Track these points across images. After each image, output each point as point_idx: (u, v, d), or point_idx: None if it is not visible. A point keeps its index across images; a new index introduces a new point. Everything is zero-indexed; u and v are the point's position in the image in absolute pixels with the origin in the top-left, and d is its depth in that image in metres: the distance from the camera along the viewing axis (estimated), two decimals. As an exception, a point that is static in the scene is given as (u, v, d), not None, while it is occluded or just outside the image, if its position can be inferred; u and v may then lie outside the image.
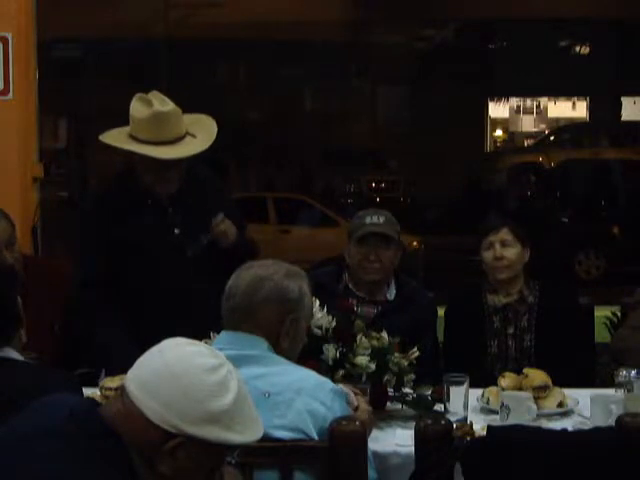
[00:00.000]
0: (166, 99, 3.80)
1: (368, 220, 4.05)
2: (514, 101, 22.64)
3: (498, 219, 4.24)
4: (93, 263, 3.86)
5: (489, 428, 2.79)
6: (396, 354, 3.35)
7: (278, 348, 2.73)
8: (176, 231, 3.89)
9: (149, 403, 1.87)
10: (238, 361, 2.11)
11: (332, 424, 2.59)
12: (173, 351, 1.93)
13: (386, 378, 3.32)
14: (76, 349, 3.91)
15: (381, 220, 4.05)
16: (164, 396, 1.87)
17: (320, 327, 3.29)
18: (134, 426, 1.88)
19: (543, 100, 22.74)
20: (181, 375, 1.89)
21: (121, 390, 1.94)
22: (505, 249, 4.07)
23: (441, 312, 4.23)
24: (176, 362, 1.90)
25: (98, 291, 3.84)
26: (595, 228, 13.39)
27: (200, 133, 3.86)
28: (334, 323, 3.31)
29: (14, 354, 2.61)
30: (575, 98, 22.16)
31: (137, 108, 3.77)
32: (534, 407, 3.27)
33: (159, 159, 3.73)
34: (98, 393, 3.36)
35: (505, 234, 4.09)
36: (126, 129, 3.84)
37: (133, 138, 3.78)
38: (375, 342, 3.34)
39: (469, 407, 3.27)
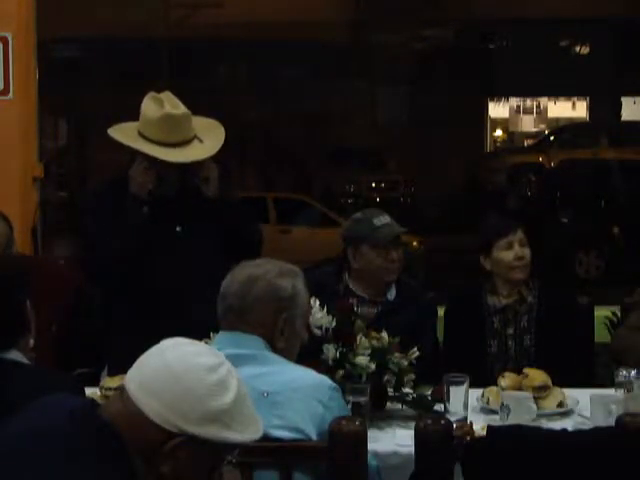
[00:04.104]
0: (178, 102, 3.81)
1: (377, 222, 4.03)
2: (514, 101, 22.65)
3: (507, 219, 4.22)
4: (93, 260, 3.86)
5: (489, 428, 2.80)
6: (396, 354, 3.35)
7: (275, 347, 2.74)
8: (178, 229, 3.89)
9: (149, 403, 1.87)
10: (236, 361, 2.11)
11: (332, 424, 2.59)
12: (173, 351, 1.93)
13: (386, 378, 3.32)
14: (76, 349, 3.91)
15: (388, 219, 4.05)
16: (164, 396, 1.87)
17: (320, 327, 3.29)
18: (134, 426, 1.88)
19: (543, 100, 22.74)
20: (181, 374, 1.89)
21: (121, 390, 1.94)
22: (523, 249, 4.07)
23: (441, 312, 4.23)
24: (176, 362, 1.91)
25: (97, 289, 3.84)
26: (595, 228, 13.39)
27: (207, 139, 3.87)
28: (334, 323, 3.31)
29: (18, 357, 2.61)
30: (575, 98, 22.16)
31: (149, 107, 3.80)
32: (534, 407, 3.27)
33: (163, 161, 3.73)
34: (98, 393, 3.36)
35: (521, 234, 4.09)
36: (135, 125, 3.85)
37: (141, 135, 3.80)
38: (375, 342, 3.34)
39: (469, 407, 3.27)
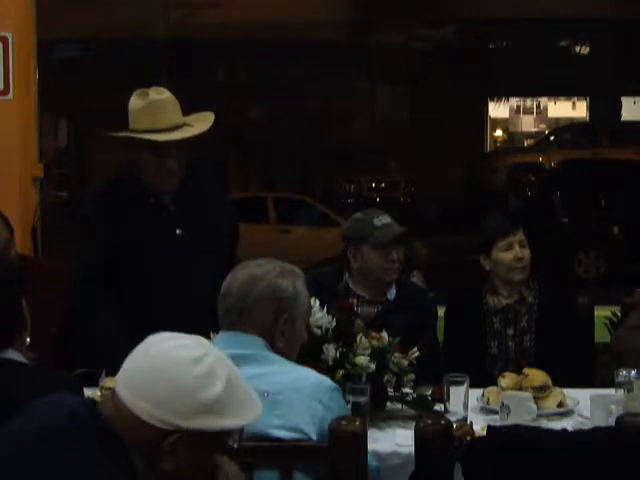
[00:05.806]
0: (163, 89, 3.86)
1: (378, 222, 4.02)
2: (514, 101, 22.67)
3: (507, 220, 4.19)
4: (93, 261, 3.87)
5: (489, 428, 2.79)
6: (396, 354, 3.35)
7: (275, 347, 2.74)
8: (178, 231, 3.89)
9: (138, 403, 1.86)
10: (236, 361, 2.10)
11: (332, 424, 2.59)
12: (156, 347, 1.91)
13: (386, 378, 3.32)
14: (76, 349, 3.91)
15: (388, 219, 4.04)
16: (152, 394, 1.86)
17: (320, 327, 3.29)
18: (129, 426, 1.87)
19: (543, 100, 22.76)
20: (166, 370, 1.87)
21: (112, 392, 1.93)
22: (523, 250, 4.05)
23: (441, 312, 4.22)
24: (160, 358, 1.89)
25: (98, 290, 3.84)
26: (595, 228, 13.38)
27: (197, 123, 3.90)
28: (334, 323, 3.31)
29: (16, 356, 2.61)
30: (575, 98, 22.18)
31: (135, 101, 3.84)
32: (534, 407, 3.27)
33: (156, 144, 3.75)
34: (98, 393, 3.36)
35: (521, 234, 4.07)
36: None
37: (132, 131, 3.83)
38: (375, 342, 3.33)
39: (469, 407, 3.26)
